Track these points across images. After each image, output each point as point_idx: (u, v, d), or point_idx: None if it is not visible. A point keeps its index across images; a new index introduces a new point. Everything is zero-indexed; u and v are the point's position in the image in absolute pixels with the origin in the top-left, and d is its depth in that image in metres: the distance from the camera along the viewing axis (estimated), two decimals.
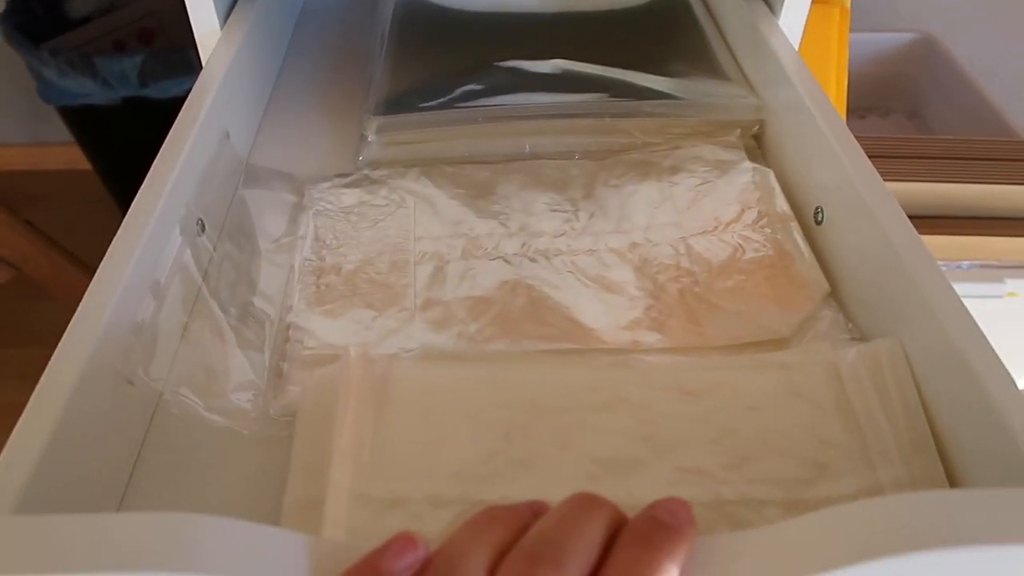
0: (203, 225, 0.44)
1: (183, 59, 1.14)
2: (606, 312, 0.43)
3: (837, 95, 0.81)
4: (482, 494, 0.32)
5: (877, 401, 0.35)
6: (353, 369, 0.36)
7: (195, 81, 0.50)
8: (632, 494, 0.32)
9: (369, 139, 0.53)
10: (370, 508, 0.32)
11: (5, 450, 0.28)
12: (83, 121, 1.26)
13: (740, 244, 0.46)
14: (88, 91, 1.15)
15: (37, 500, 0.28)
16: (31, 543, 0.22)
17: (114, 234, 0.37)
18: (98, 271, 0.35)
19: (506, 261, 0.46)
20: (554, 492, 0.32)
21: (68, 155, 1.54)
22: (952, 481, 0.33)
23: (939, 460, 0.33)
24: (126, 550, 0.22)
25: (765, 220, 0.47)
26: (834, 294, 0.44)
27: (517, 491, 0.32)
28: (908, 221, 0.40)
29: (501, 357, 0.40)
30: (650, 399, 0.36)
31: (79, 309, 0.34)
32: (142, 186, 0.41)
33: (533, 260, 0.46)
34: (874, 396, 0.36)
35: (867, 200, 0.41)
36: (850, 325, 0.42)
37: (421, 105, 0.55)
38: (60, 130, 1.34)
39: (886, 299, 0.39)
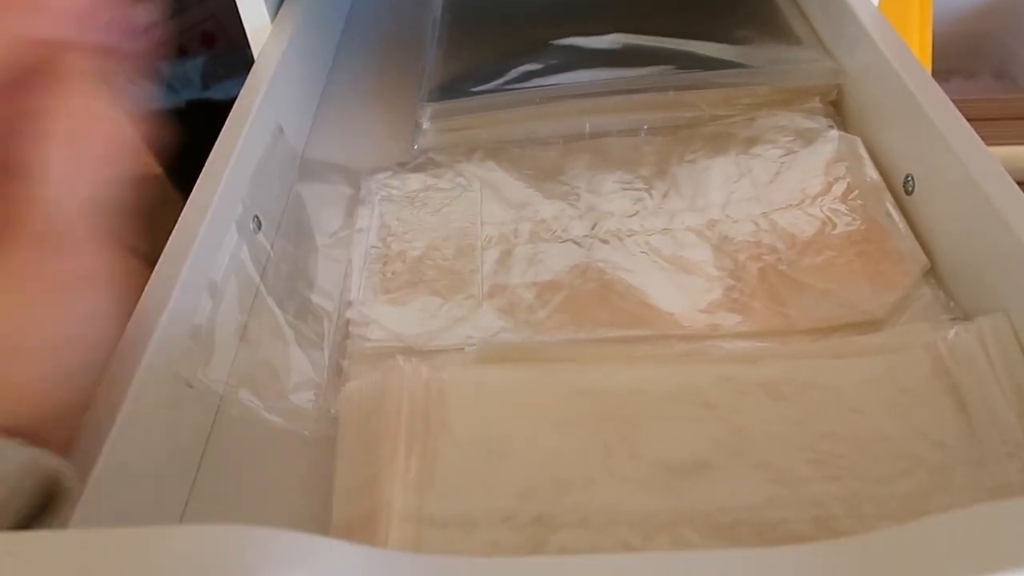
0: (259, 222, 0.43)
1: (243, 59, 1.14)
2: (683, 294, 0.41)
3: (920, 56, 0.76)
4: (551, 509, 0.30)
5: (989, 387, 0.32)
6: (402, 379, 0.34)
7: None
8: (717, 504, 0.30)
9: (424, 127, 0.52)
10: (430, 528, 0.30)
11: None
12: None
13: (829, 218, 0.43)
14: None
15: (97, 510, 0.27)
16: (86, 559, 0.21)
17: None
18: (154, 273, 0.35)
19: (576, 243, 0.44)
20: (630, 505, 0.30)
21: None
22: None
23: None
24: (185, 565, 0.21)
25: (856, 192, 0.44)
26: (931, 270, 0.40)
27: (586, 505, 0.30)
28: (1014, 185, 0.37)
29: (567, 353, 0.37)
30: (735, 404, 0.33)
31: (135, 312, 0.33)
32: (196, 185, 0.40)
33: (604, 242, 0.44)
34: (986, 382, 0.32)
35: (967, 164, 0.37)
36: (951, 303, 0.38)
37: (475, 89, 0.53)
38: None
39: (991, 272, 0.36)
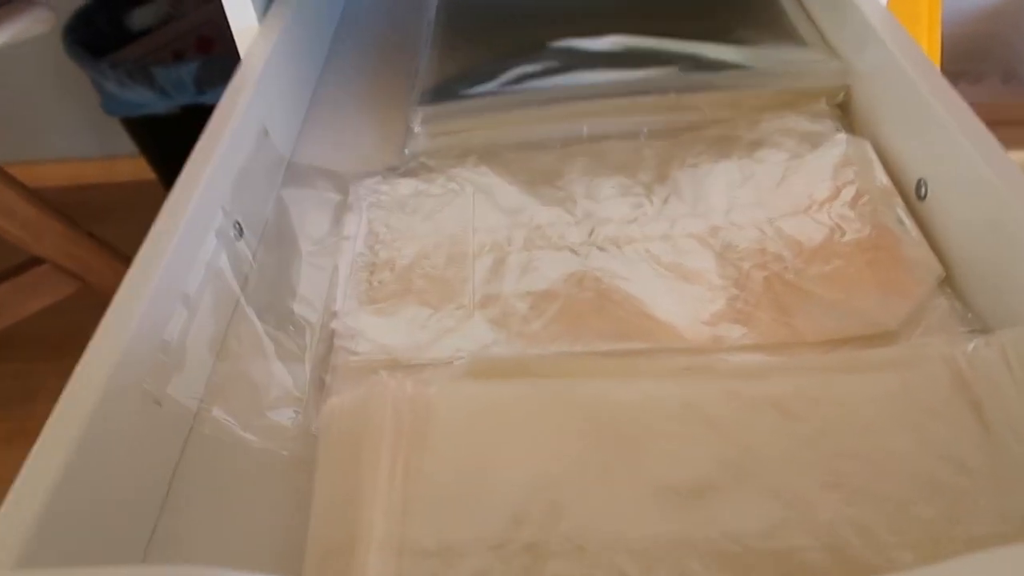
0: (241, 229, 0.41)
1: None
2: (684, 304, 0.38)
3: (930, 54, 0.74)
4: (544, 536, 0.28)
5: (1013, 406, 0.30)
6: (386, 395, 0.32)
7: None
8: (723, 530, 0.28)
9: (415, 131, 0.50)
10: (411, 559, 0.28)
11: (12, 489, 0.25)
12: (145, 131, 1.27)
13: (837, 224, 0.41)
14: (147, 101, 1.15)
15: (50, 544, 0.25)
16: None
17: None
18: (122, 283, 0.33)
19: (572, 251, 0.42)
20: (629, 532, 0.28)
21: (137, 167, 1.57)
22: None
23: None
24: None
25: (865, 198, 0.42)
26: (947, 279, 0.38)
27: (582, 531, 0.28)
28: None
29: (562, 367, 0.35)
30: (741, 421, 0.31)
31: (101, 325, 0.31)
32: (172, 189, 0.38)
33: (602, 249, 0.42)
34: (1010, 400, 0.30)
35: (985, 167, 0.35)
36: (969, 315, 0.36)
37: (468, 92, 0.51)
38: (129, 143, 1.35)
39: (1012, 281, 0.34)
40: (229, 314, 0.39)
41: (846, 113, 0.50)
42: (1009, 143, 0.89)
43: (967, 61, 1.14)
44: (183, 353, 0.34)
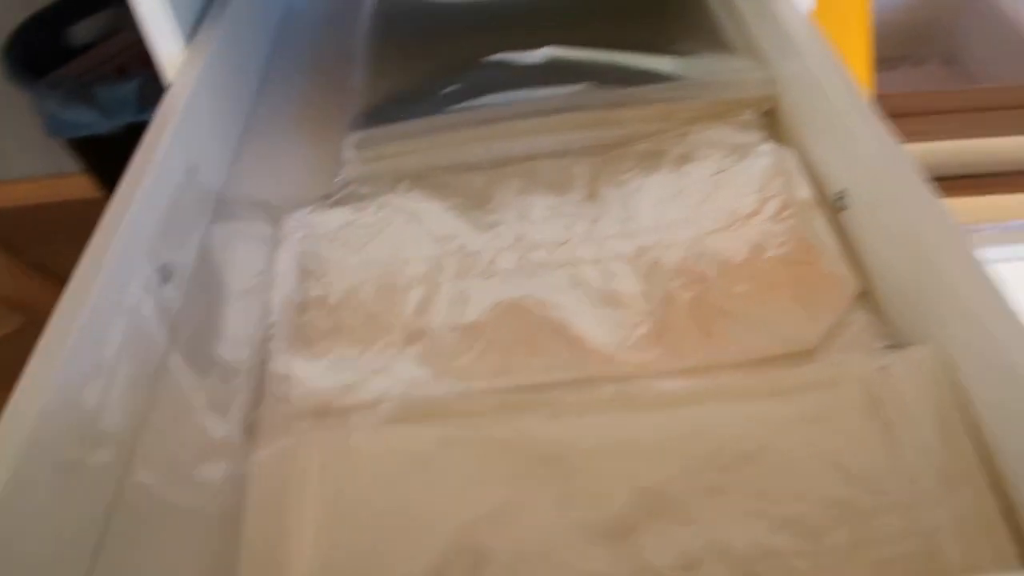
0: (167, 273, 0.41)
1: None
2: (612, 331, 0.39)
3: (860, 45, 0.74)
4: None
5: (921, 426, 0.30)
6: (310, 448, 0.32)
7: None
8: (642, 564, 0.28)
9: (347, 157, 0.49)
10: None
11: None
12: (90, 151, 1.25)
13: (760, 241, 0.41)
14: (90, 121, 1.13)
15: None
16: None
17: None
18: (40, 340, 0.32)
19: (503, 279, 0.42)
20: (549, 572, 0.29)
21: (85, 184, 1.54)
22: (1009, 516, 0.28)
23: (989, 494, 0.28)
24: None
25: (788, 211, 0.42)
26: (867, 293, 0.38)
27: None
28: (943, 206, 0.35)
29: (487, 405, 0.35)
30: (664, 452, 0.32)
31: (15, 390, 0.30)
32: (92, 238, 0.37)
33: (532, 275, 0.42)
34: (919, 420, 0.31)
35: (898, 183, 0.36)
36: (887, 329, 0.37)
37: (399, 116, 0.51)
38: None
39: (924, 298, 0.34)
40: (153, 367, 0.38)
41: (775, 122, 0.50)
42: (950, 133, 0.89)
43: (909, 45, 1.15)
44: (102, 415, 0.33)
